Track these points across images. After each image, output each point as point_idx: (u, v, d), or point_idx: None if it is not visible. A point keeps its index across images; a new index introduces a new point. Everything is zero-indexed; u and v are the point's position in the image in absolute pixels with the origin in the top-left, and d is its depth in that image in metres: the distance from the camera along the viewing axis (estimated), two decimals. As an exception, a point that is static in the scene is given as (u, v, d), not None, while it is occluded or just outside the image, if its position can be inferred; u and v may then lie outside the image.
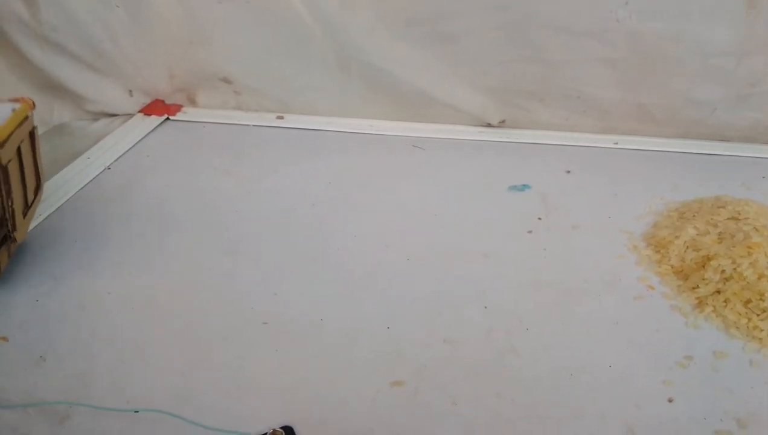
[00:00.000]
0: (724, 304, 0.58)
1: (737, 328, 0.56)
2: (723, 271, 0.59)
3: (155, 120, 0.94)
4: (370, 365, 0.52)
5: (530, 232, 0.70)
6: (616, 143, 0.90)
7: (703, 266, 0.61)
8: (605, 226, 0.71)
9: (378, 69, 0.90)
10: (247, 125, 0.95)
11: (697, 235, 0.65)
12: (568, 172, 0.83)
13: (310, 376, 0.51)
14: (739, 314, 0.56)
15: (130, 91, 0.96)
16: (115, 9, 0.87)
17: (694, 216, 0.69)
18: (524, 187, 0.79)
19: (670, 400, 0.49)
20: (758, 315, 0.56)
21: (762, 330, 0.55)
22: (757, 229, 0.62)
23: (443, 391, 0.50)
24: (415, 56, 0.89)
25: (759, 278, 0.58)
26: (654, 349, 0.54)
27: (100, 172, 0.80)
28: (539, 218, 0.72)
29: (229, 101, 0.98)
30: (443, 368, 0.52)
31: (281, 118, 0.96)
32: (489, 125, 0.94)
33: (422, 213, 0.74)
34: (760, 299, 0.56)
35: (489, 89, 0.91)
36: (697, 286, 0.60)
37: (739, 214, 0.66)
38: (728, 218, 0.66)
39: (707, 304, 0.58)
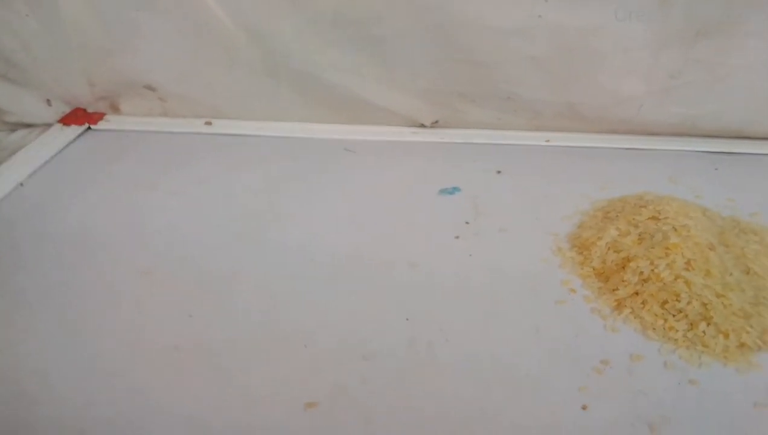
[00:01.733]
0: (642, 305, 0.58)
1: (654, 329, 0.56)
2: (641, 273, 0.60)
3: (75, 130, 0.90)
4: (284, 387, 0.51)
5: (457, 237, 0.69)
6: (548, 141, 0.90)
7: (623, 268, 0.61)
8: (533, 229, 0.71)
9: (307, 73, 0.88)
10: (174, 132, 0.92)
11: (619, 235, 0.65)
12: (499, 172, 0.82)
13: (220, 402, 0.49)
14: (656, 315, 0.57)
15: (48, 100, 0.91)
16: (25, 18, 0.82)
17: (617, 216, 0.69)
18: (454, 190, 0.78)
19: (584, 408, 0.49)
20: (674, 316, 0.56)
21: (677, 331, 0.55)
22: (675, 229, 0.63)
23: (358, 409, 0.49)
24: (344, 59, 0.87)
25: (675, 279, 0.58)
26: (572, 355, 0.54)
27: (12, 190, 0.76)
28: (467, 223, 0.72)
29: (155, 108, 0.94)
30: (359, 386, 0.51)
31: (209, 123, 0.93)
32: (422, 126, 0.93)
33: (349, 221, 0.72)
34: (676, 300, 0.57)
35: (420, 90, 0.89)
36: (617, 288, 0.60)
37: (660, 213, 0.66)
38: (649, 218, 0.66)
39: (626, 305, 0.59)
